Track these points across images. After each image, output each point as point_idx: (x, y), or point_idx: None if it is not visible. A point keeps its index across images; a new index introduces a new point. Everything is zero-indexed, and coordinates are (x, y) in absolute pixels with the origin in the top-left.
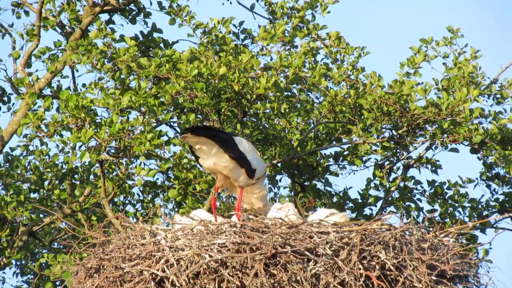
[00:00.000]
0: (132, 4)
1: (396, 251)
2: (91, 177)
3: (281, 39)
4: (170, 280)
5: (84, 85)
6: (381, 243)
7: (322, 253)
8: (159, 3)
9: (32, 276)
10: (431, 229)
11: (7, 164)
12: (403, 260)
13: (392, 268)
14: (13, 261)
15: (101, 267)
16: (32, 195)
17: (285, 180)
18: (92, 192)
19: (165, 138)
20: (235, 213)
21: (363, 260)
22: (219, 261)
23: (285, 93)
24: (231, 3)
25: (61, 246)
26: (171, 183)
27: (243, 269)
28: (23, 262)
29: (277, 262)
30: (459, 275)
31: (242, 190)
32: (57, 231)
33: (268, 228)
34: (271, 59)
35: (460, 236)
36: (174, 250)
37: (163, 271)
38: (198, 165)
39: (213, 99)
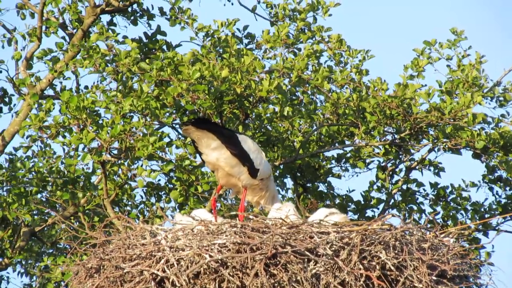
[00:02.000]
0: (135, 5)
1: (396, 251)
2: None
3: (285, 41)
4: (170, 280)
5: (86, 87)
6: (382, 243)
7: (322, 253)
8: (161, 9)
9: (35, 278)
10: (431, 229)
11: (7, 164)
12: (403, 260)
13: (392, 268)
14: (18, 261)
15: (102, 267)
16: (34, 196)
17: (287, 182)
18: (94, 194)
19: (166, 140)
20: (238, 213)
21: (364, 260)
22: (220, 261)
23: (289, 96)
24: (232, 4)
25: (64, 246)
26: (173, 185)
27: (244, 269)
28: (29, 262)
29: (278, 262)
30: (459, 275)
31: (245, 190)
32: (61, 231)
33: (268, 228)
34: (276, 62)
35: (461, 238)
36: (174, 250)
37: (164, 271)
38: (200, 167)
39: (215, 101)
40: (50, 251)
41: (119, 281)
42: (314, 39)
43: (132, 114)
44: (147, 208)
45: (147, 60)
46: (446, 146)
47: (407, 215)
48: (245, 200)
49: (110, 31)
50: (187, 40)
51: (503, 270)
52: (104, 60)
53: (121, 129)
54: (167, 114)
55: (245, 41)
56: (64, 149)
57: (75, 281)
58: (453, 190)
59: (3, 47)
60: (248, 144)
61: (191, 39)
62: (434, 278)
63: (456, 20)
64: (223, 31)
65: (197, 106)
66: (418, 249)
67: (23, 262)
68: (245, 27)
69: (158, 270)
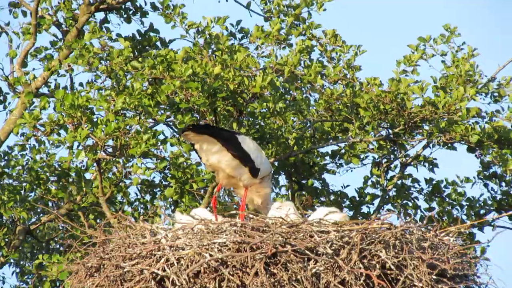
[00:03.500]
0: (129, 3)
1: (396, 250)
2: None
3: (276, 37)
4: (170, 279)
5: (80, 84)
6: (382, 242)
7: (322, 252)
8: (152, 4)
9: (31, 276)
10: (431, 228)
11: (3, 161)
12: (403, 259)
13: (392, 267)
14: (13, 261)
15: (102, 266)
16: (29, 194)
17: (282, 179)
18: (88, 191)
19: (161, 137)
20: (239, 212)
21: (364, 259)
22: (220, 260)
23: (281, 91)
24: (227, 0)
25: (60, 245)
26: (168, 182)
27: (244, 268)
28: (22, 262)
29: (278, 261)
30: (459, 274)
31: (246, 190)
32: (54, 230)
33: (268, 227)
34: (267, 56)
35: (461, 237)
36: (174, 249)
37: (164, 270)
38: (196, 164)
39: (208, 98)
40: (45, 250)
41: (119, 280)
42: (305, 36)
43: (124, 111)
44: (142, 206)
45: (139, 59)
46: (441, 141)
47: (402, 211)
48: (246, 199)
49: (104, 29)
50: (179, 37)
51: (500, 267)
52: (97, 58)
53: (115, 126)
54: (161, 112)
55: (239, 36)
56: (56, 147)
57: (75, 280)
58: (447, 184)
59: None
60: (248, 144)
61: (181, 36)
62: (434, 277)
63: (451, 15)
64: (213, 27)
65: (190, 103)
66: (418, 248)
67: (20, 262)
68: (238, 22)
69: (158, 269)
